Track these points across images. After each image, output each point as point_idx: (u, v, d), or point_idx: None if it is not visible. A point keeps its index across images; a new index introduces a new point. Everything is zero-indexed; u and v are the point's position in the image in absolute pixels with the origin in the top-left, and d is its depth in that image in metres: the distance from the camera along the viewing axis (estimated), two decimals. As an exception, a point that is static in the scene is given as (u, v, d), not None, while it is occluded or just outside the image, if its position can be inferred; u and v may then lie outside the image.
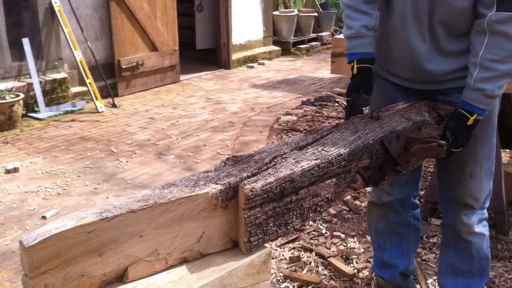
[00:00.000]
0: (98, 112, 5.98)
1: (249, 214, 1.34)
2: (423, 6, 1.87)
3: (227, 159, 1.54)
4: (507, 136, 3.65)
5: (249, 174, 1.41)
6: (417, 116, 1.90)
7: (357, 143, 1.65)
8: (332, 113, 5.93)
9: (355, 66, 1.97)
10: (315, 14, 10.50)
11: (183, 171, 4.33)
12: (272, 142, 4.89)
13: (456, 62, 1.94)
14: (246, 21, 8.85)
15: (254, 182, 1.36)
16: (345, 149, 1.60)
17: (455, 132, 1.90)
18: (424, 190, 3.45)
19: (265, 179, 1.38)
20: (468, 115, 1.88)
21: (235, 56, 8.69)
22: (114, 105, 6.22)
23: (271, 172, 1.42)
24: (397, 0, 1.93)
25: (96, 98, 6.07)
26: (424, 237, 3.08)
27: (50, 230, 1.13)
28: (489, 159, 2.10)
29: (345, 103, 2.07)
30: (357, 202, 3.60)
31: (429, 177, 3.61)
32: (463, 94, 1.90)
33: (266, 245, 1.42)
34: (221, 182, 1.36)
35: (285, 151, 1.57)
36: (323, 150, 1.58)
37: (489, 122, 2.04)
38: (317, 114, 5.89)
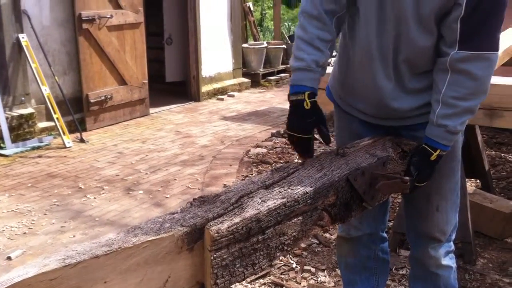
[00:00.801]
0: (66, 147, 5.90)
1: (215, 256, 1.33)
2: (387, 46, 1.89)
3: (194, 199, 1.53)
4: (471, 166, 3.73)
5: (215, 215, 1.40)
6: (381, 152, 1.93)
7: (323, 181, 1.66)
8: (302, 145, 5.96)
9: (307, 100, 1.90)
10: (284, 46, 10.64)
11: (152, 207, 4.29)
12: (242, 176, 4.90)
13: (421, 98, 1.97)
14: (215, 53, 8.91)
15: (220, 223, 1.35)
16: (311, 187, 1.60)
17: (419, 167, 1.92)
18: (392, 221, 3.48)
19: (231, 219, 1.37)
20: (431, 151, 1.91)
21: (204, 88, 8.72)
22: (82, 140, 6.16)
23: (237, 213, 1.42)
24: (361, 36, 1.94)
25: (64, 133, 6.00)
26: (393, 269, 3.10)
27: (12, 279, 1.10)
28: (454, 192, 2.14)
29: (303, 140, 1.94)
30: (327, 235, 3.61)
31: (397, 208, 3.64)
32: (426, 130, 1.93)
33: (233, 286, 1.41)
34: (186, 224, 1.35)
35: (252, 190, 1.57)
36: (289, 188, 1.58)
37: (453, 156, 2.08)
38: (286, 146, 5.92)
